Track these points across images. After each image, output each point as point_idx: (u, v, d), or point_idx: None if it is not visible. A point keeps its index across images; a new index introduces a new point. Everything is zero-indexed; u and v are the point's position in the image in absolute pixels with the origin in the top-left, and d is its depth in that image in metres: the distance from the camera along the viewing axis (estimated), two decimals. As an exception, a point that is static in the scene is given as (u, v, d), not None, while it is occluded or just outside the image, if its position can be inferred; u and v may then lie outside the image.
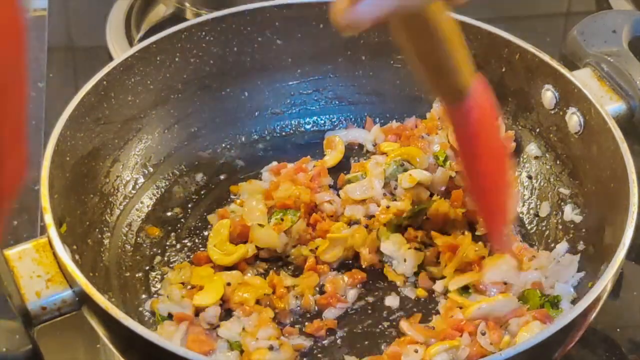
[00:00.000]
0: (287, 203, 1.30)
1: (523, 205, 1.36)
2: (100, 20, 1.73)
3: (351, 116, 1.49)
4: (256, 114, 1.47)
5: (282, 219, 1.29)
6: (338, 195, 1.37)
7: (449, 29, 0.98)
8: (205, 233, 1.33)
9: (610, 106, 1.32)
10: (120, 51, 1.62)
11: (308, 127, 1.49)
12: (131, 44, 1.66)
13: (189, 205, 1.38)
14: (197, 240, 1.33)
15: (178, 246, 1.32)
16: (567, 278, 1.23)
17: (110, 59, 1.36)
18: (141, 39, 1.56)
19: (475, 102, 1.06)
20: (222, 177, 1.42)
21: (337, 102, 1.50)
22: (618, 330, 1.29)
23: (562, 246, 1.28)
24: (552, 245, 1.30)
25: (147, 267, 1.29)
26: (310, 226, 1.32)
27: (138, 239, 1.32)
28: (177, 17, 1.70)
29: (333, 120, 1.50)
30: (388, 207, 1.33)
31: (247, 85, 1.46)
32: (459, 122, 1.10)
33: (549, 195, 1.35)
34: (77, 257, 1.15)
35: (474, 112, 1.07)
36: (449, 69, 1.01)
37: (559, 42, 1.49)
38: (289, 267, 1.29)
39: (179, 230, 1.34)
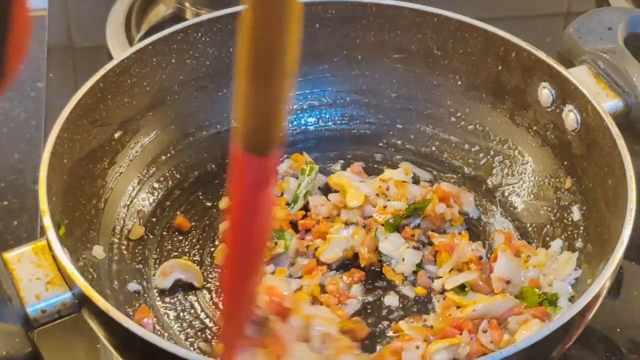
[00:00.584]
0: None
1: (521, 204, 1.37)
2: (100, 20, 1.73)
3: (347, 116, 1.49)
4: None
5: (275, 243, 1.29)
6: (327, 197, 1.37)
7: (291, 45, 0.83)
8: (204, 234, 1.34)
9: (606, 103, 1.32)
10: (120, 51, 1.62)
11: (304, 126, 1.49)
12: (131, 44, 1.66)
13: (187, 207, 1.38)
14: (195, 241, 1.33)
15: (176, 247, 1.33)
16: (565, 276, 1.23)
17: (110, 58, 1.36)
18: (141, 39, 1.56)
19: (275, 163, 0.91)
20: (219, 178, 1.42)
21: (333, 102, 1.50)
22: (618, 330, 1.29)
23: (557, 243, 1.28)
24: (550, 244, 1.30)
25: (145, 268, 1.29)
26: (303, 234, 1.33)
27: (136, 239, 1.32)
28: (177, 17, 1.70)
29: (329, 119, 1.50)
30: (385, 207, 1.33)
31: (244, 85, 1.46)
32: (246, 177, 0.92)
33: (546, 193, 1.35)
34: (76, 259, 1.15)
35: (272, 174, 0.92)
36: (271, 106, 0.86)
37: (559, 42, 1.49)
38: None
39: (178, 231, 1.35)
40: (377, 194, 1.35)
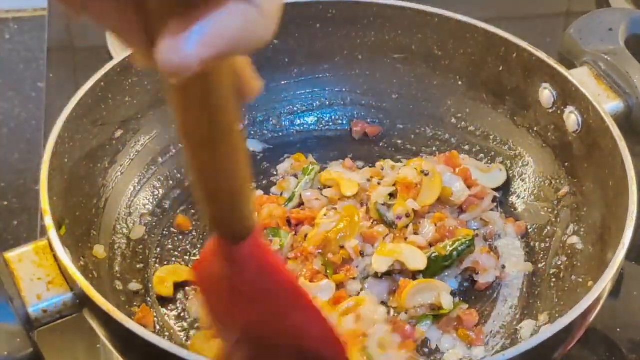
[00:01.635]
0: (268, 224, 1.31)
1: (522, 204, 1.37)
2: (100, 20, 1.73)
3: (347, 116, 1.49)
4: (253, 113, 1.47)
5: (270, 240, 1.30)
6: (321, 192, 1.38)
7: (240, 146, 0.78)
8: (205, 234, 1.34)
9: (608, 104, 1.32)
10: (120, 51, 1.61)
11: (305, 126, 1.49)
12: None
13: (188, 206, 1.38)
14: (195, 241, 1.33)
15: (177, 246, 1.33)
16: None
17: (110, 59, 1.36)
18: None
19: (255, 241, 0.85)
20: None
21: (333, 102, 1.50)
22: (618, 330, 1.30)
23: None
24: (549, 243, 1.31)
25: (146, 267, 1.29)
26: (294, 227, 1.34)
27: (137, 239, 1.32)
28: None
29: (330, 119, 1.50)
30: (379, 183, 1.36)
31: (244, 85, 1.46)
32: (236, 267, 0.87)
33: (547, 194, 1.35)
34: (77, 259, 1.15)
35: (256, 254, 0.86)
36: (232, 192, 0.80)
37: (559, 42, 1.49)
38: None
39: (179, 230, 1.35)
40: (370, 179, 1.38)
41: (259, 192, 1.39)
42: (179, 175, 1.40)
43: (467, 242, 1.26)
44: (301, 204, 1.37)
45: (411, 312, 1.23)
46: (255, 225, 0.84)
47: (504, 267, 1.30)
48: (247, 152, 0.79)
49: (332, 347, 0.96)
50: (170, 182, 1.39)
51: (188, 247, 1.33)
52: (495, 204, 1.37)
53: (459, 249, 1.26)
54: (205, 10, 0.64)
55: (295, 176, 1.40)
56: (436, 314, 1.23)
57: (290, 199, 1.36)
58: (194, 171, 0.78)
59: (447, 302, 1.23)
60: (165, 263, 1.30)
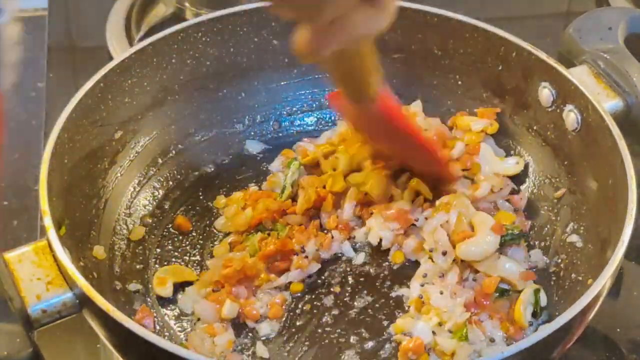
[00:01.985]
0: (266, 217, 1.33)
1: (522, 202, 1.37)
2: (100, 20, 1.73)
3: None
4: (253, 114, 1.47)
5: (268, 234, 1.31)
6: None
7: (368, 48, 1.11)
8: (204, 234, 1.34)
9: (607, 103, 1.32)
10: (120, 51, 1.62)
11: (304, 127, 1.49)
12: (131, 44, 1.66)
13: (188, 207, 1.38)
14: (195, 241, 1.33)
15: (177, 247, 1.33)
16: None
17: (110, 59, 1.36)
18: (141, 39, 1.56)
19: (381, 102, 1.22)
20: (219, 178, 1.42)
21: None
22: (618, 330, 1.29)
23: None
24: (549, 241, 1.31)
25: (146, 268, 1.29)
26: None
27: (137, 239, 1.32)
28: (177, 17, 1.70)
29: (330, 119, 1.50)
30: None
31: (243, 85, 1.46)
32: (369, 119, 1.26)
33: (546, 193, 1.35)
34: (76, 259, 1.15)
35: (381, 109, 1.23)
36: (363, 79, 1.17)
37: (558, 41, 1.49)
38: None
39: (178, 231, 1.35)
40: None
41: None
42: (178, 176, 1.40)
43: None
44: (294, 196, 1.37)
45: None
46: (378, 93, 1.19)
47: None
48: (374, 57, 1.13)
49: (437, 164, 1.34)
50: (170, 183, 1.39)
51: (188, 247, 1.33)
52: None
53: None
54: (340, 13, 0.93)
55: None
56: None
57: (282, 191, 1.37)
58: (338, 78, 1.18)
59: None
60: (165, 263, 1.30)
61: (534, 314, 1.22)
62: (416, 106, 1.45)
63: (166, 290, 1.26)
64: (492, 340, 1.19)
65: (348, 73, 1.15)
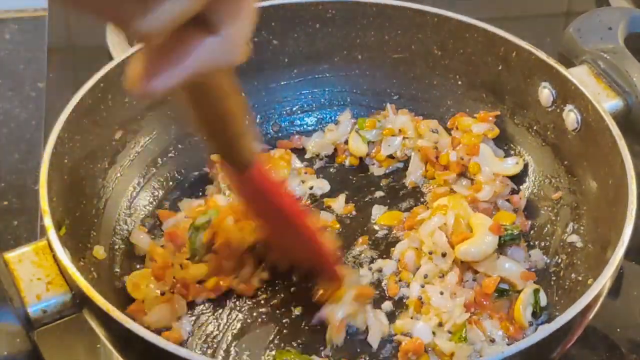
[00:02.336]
0: None
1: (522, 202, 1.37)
2: (100, 20, 1.73)
3: (347, 115, 1.49)
4: (252, 114, 1.47)
5: None
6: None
7: (235, 103, 1.00)
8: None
9: (607, 103, 1.32)
10: (120, 51, 1.62)
11: (304, 127, 1.49)
12: (131, 44, 1.65)
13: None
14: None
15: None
16: None
17: (110, 59, 1.36)
18: (141, 39, 1.56)
19: (257, 171, 1.11)
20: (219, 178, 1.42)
21: (333, 102, 1.50)
22: (618, 330, 1.29)
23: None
24: (549, 241, 1.31)
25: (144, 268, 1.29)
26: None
27: (137, 240, 1.31)
28: (176, 17, 1.69)
29: (329, 119, 1.50)
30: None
31: (243, 85, 1.42)
32: (244, 187, 1.17)
33: (546, 193, 1.35)
34: (76, 259, 1.15)
35: (257, 179, 1.12)
36: (233, 140, 1.05)
37: (558, 41, 1.49)
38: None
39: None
40: None
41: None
42: (178, 177, 1.40)
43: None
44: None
45: None
46: (255, 160, 1.08)
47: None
48: (242, 109, 1.01)
49: (323, 259, 1.21)
50: (170, 183, 1.39)
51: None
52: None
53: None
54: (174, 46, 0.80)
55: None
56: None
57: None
58: (201, 127, 1.03)
59: None
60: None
61: (534, 314, 1.22)
62: (403, 113, 1.45)
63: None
64: (492, 341, 1.19)
65: (214, 130, 1.03)
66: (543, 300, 1.23)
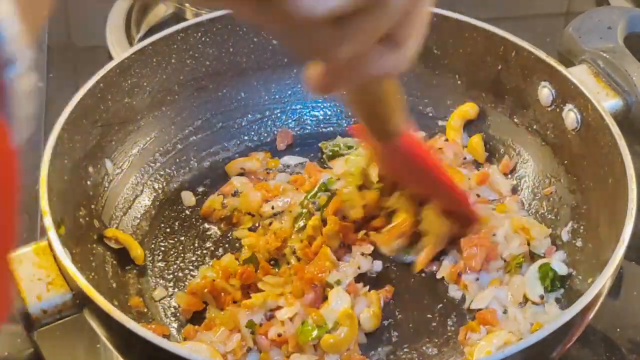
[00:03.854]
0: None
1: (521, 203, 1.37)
2: (100, 20, 1.73)
3: (347, 116, 1.49)
4: (253, 114, 1.47)
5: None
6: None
7: (390, 86, 1.08)
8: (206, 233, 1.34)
9: (607, 102, 1.32)
10: (120, 51, 1.62)
11: (305, 127, 1.49)
12: (131, 44, 1.65)
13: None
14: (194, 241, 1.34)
15: (176, 246, 1.33)
16: None
17: (110, 59, 1.36)
18: (141, 39, 1.56)
19: (404, 140, 1.20)
20: (219, 177, 1.42)
21: (333, 102, 1.50)
22: (618, 330, 1.29)
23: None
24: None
25: (145, 267, 1.29)
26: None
27: (137, 240, 1.32)
28: (177, 17, 1.70)
29: (330, 119, 1.50)
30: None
31: (243, 85, 1.46)
32: (392, 156, 1.25)
33: (547, 192, 1.35)
34: (76, 259, 1.15)
35: (405, 147, 1.21)
36: (385, 116, 1.14)
37: (558, 41, 1.49)
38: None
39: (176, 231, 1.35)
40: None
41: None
42: (179, 177, 1.40)
43: None
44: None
45: None
46: (402, 130, 1.17)
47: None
48: (396, 90, 1.09)
49: (462, 203, 1.32)
50: (170, 182, 1.39)
51: (187, 247, 1.33)
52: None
53: None
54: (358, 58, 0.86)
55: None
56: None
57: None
58: (357, 109, 1.16)
59: None
60: (164, 263, 1.30)
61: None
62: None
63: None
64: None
65: (368, 109, 1.14)
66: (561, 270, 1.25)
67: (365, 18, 0.79)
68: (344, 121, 1.49)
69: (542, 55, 1.33)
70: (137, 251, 1.27)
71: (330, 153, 1.44)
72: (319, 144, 1.46)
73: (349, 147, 1.44)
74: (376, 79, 0.98)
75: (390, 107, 1.13)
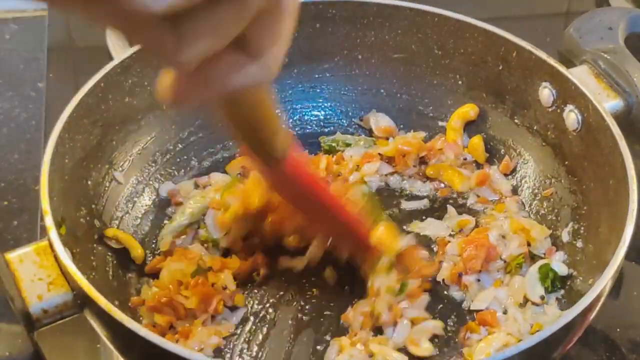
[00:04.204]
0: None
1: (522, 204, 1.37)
2: (100, 20, 1.73)
3: (347, 116, 1.49)
4: (282, 109, 1.47)
5: None
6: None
7: (264, 103, 0.99)
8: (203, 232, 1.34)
9: (607, 103, 1.32)
10: (120, 51, 1.61)
11: (305, 126, 1.49)
12: (131, 44, 1.65)
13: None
14: (196, 241, 1.33)
15: (177, 247, 1.33)
16: None
17: (110, 59, 1.36)
18: (141, 39, 1.56)
19: (290, 163, 1.12)
20: (219, 178, 1.41)
21: (333, 102, 1.50)
22: (618, 330, 1.30)
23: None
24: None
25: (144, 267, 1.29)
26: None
27: (137, 240, 1.32)
28: (177, 17, 1.69)
29: (329, 119, 1.50)
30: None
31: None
32: (278, 180, 1.18)
33: (547, 193, 1.35)
34: (77, 259, 1.15)
35: (289, 171, 1.13)
36: (265, 138, 1.05)
37: (559, 41, 1.49)
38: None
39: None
40: None
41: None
42: (179, 177, 1.40)
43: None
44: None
45: None
46: (286, 155, 1.09)
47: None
48: (274, 109, 1.00)
49: (357, 233, 1.23)
50: (170, 182, 1.39)
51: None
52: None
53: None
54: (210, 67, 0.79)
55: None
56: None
57: None
58: (232, 130, 1.03)
59: None
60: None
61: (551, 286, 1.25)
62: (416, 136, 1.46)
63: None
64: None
65: (245, 129, 1.03)
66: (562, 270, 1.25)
67: (205, 15, 0.72)
68: (344, 121, 1.49)
69: (542, 55, 1.33)
70: (137, 251, 1.28)
71: (327, 148, 1.44)
72: (319, 138, 1.46)
73: (347, 145, 1.44)
74: (240, 91, 0.85)
75: (268, 127, 1.04)
